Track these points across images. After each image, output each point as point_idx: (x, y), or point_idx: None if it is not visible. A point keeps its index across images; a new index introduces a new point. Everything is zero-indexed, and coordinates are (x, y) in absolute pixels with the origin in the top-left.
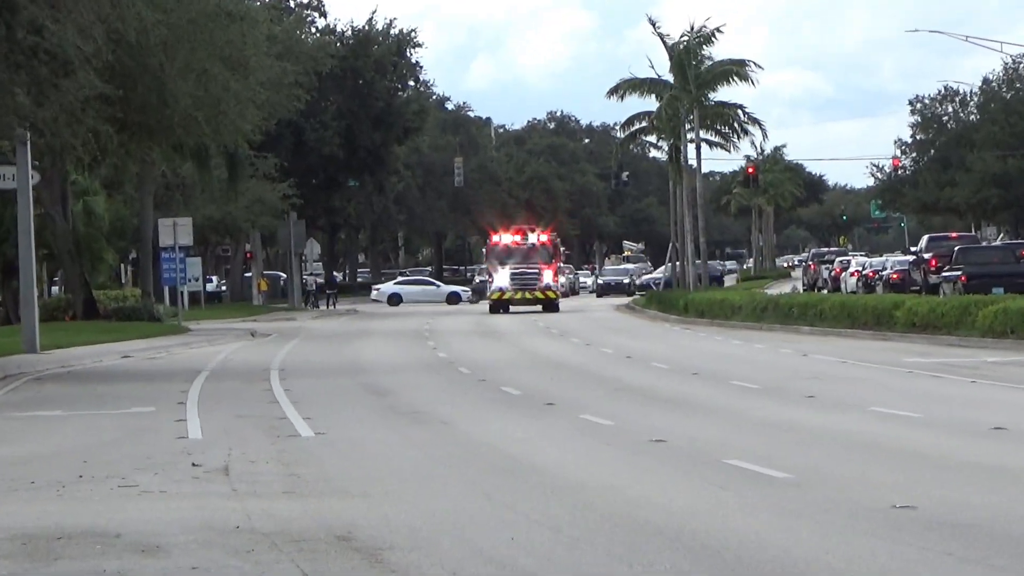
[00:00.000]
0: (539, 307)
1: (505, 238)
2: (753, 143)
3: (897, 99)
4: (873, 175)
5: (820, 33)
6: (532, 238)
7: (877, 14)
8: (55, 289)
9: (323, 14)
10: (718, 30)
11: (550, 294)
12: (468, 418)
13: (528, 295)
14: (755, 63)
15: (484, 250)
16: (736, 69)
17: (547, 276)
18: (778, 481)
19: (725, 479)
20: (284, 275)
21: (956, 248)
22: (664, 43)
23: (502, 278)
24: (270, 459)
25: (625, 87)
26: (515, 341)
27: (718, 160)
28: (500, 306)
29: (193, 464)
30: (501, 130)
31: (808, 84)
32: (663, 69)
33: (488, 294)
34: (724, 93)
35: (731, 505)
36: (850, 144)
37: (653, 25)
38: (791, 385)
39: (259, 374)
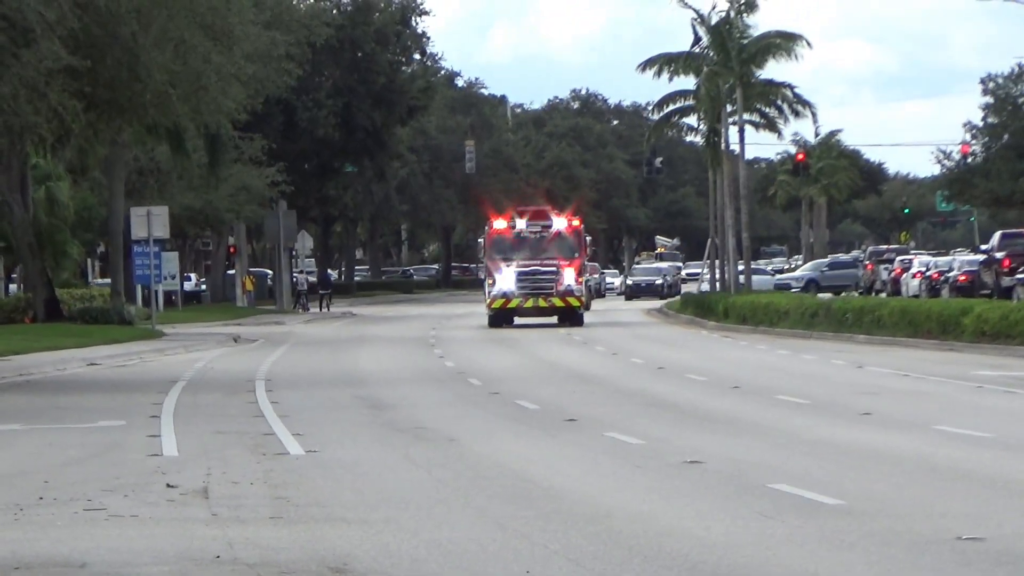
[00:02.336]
0: (555, 318)
1: (511, 223)
2: (803, 127)
3: (970, 77)
4: (940, 162)
5: (885, 1)
6: (549, 224)
7: None
8: (13, 287)
9: None
10: None
11: (572, 301)
12: (478, 436)
13: (542, 302)
14: (805, 38)
15: (482, 241)
16: (782, 43)
17: (568, 276)
18: (829, 509)
19: (770, 506)
20: (271, 273)
21: None
22: (698, 13)
23: (506, 279)
24: (255, 480)
25: (660, 62)
26: (532, 349)
27: (763, 145)
28: (502, 318)
29: (168, 485)
30: (518, 110)
31: (870, 59)
32: (694, 41)
33: (487, 301)
34: (771, 70)
35: (776, 535)
36: (915, 127)
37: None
38: (844, 401)
39: (243, 385)
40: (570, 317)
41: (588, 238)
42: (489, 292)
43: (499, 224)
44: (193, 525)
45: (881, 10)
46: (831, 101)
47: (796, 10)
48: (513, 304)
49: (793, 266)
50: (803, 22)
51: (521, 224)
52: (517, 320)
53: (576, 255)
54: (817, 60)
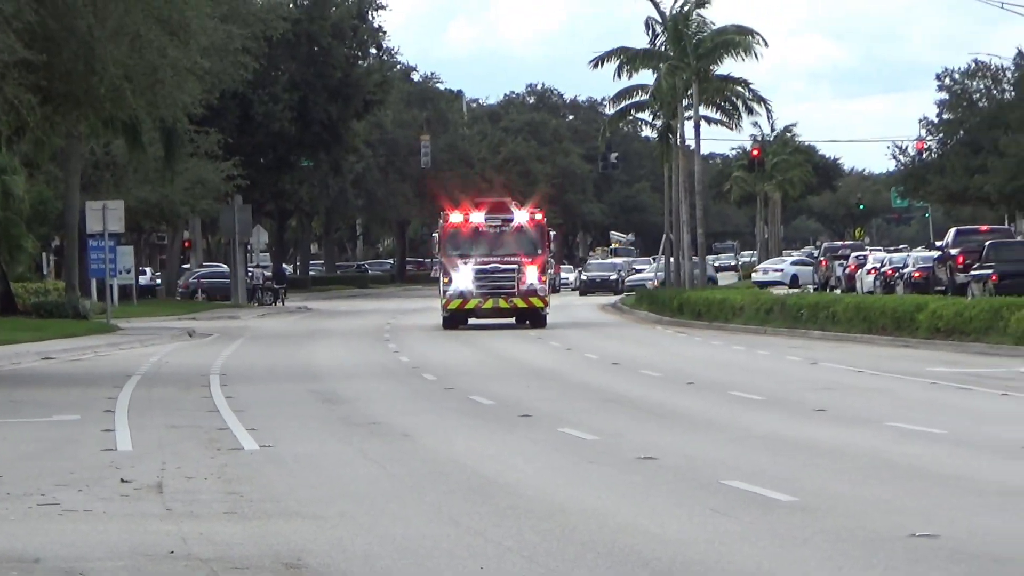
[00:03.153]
0: (514, 319)
1: (468, 217)
2: (758, 123)
3: (928, 72)
4: (895, 158)
5: None
6: (509, 218)
7: None
8: None
9: None
10: None
11: (535, 301)
12: (433, 431)
13: (503, 303)
14: (761, 35)
15: (436, 235)
16: (739, 39)
17: (530, 275)
18: (783, 505)
19: (723, 503)
20: (227, 267)
21: (987, 243)
22: (657, 8)
23: (463, 278)
24: (209, 475)
25: (615, 57)
26: (487, 344)
27: (719, 141)
28: (459, 319)
29: (122, 480)
30: (474, 105)
31: (829, 54)
32: (652, 37)
33: (442, 300)
34: (729, 65)
35: (730, 532)
36: (873, 123)
37: None
38: (799, 397)
39: (198, 379)
40: (532, 319)
41: (552, 232)
42: (444, 291)
43: (455, 217)
44: (147, 520)
45: (841, 6)
46: (790, 97)
47: (757, 6)
48: (471, 305)
49: (740, 263)
50: (763, 18)
51: (479, 218)
52: (475, 321)
53: (539, 251)
54: (777, 56)
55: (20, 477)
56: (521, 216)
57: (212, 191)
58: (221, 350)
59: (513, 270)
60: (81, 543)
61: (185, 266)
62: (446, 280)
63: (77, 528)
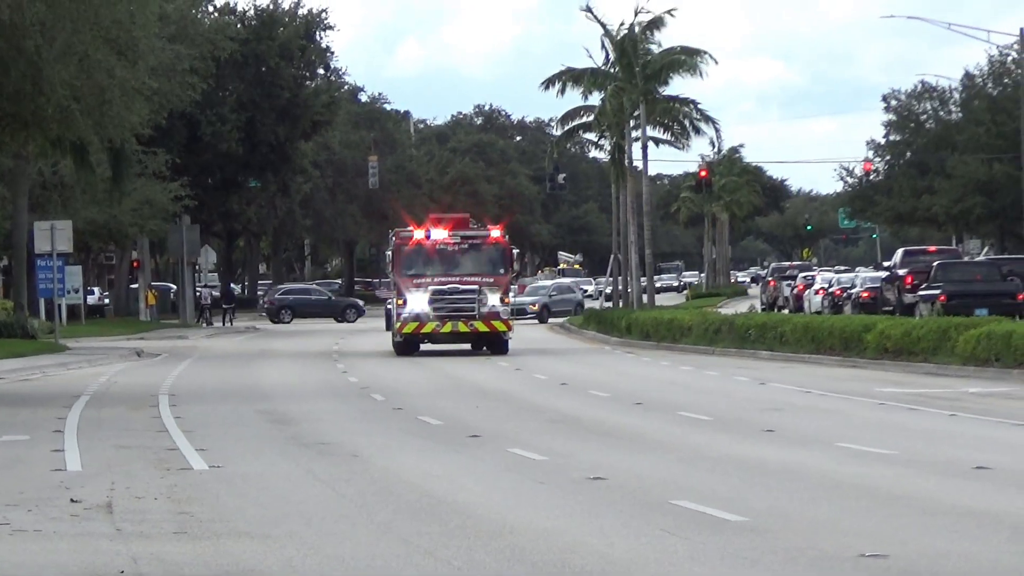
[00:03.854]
0: (472, 344)
1: (425, 234)
2: (712, 142)
3: (876, 93)
4: (842, 179)
5: (795, 17)
6: (470, 236)
7: None
8: None
9: None
10: (669, 13)
11: (497, 325)
12: (382, 451)
13: (462, 327)
14: (710, 54)
15: (389, 254)
16: (687, 59)
17: (492, 297)
18: (732, 525)
19: (672, 523)
20: (175, 287)
21: (935, 264)
22: (605, 29)
23: (418, 300)
24: (159, 495)
25: (564, 78)
26: (436, 364)
27: (667, 162)
28: (413, 344)
29: (72, 500)
30: (421, 125)
31: (778, 75)
32: (608, 60)
33: (395, 324)
34: (679, 85)
35: (679, 552)
36: (821, 144)
37: (590, 11)
38: (748, 417)
39: (146, 399)
40: (494, 344)
41: (516, 251)
42: (398, 314)
43: (409, 233)
44: (97, 540)
45: (790, 27)
46: (738, 118)
47: (706, 26)
48: (428, 328)
49: (682, 283)
50: (712, 38)
51: (437, 235)
52: (430, 346)
53: (502, 271)
54: (726, 76)
55: None
56: (482, 234)
57: (160, 211)
58: (170, 370)
59: (474, 291)
60: (31, 563)
61: (134, 286)
62: (400, 302)
63: (27, 548)
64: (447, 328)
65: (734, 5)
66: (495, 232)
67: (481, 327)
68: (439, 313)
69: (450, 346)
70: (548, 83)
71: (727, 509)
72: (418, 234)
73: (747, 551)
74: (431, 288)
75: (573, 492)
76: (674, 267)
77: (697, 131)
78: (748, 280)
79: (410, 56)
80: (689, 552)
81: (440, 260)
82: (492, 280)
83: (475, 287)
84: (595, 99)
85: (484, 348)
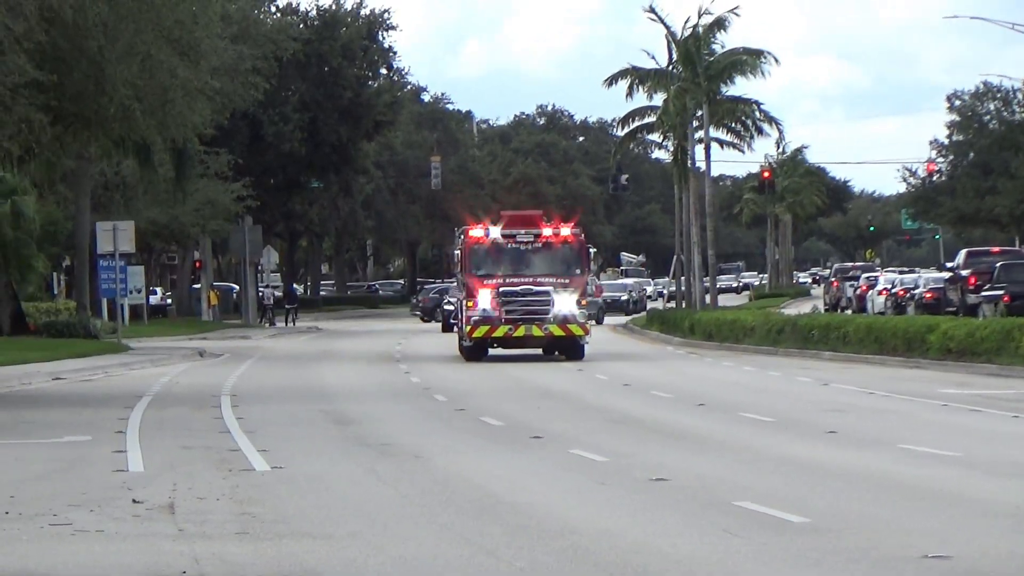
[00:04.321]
0: (545, 349)
1: (495, 232)
2: (777, 142)
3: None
4: (905, 180)
5: (857, 16)
6: (544, 232)
7: None
8: None
9: None
10: (733, 12)
11: (574, 329)
12: (444, 452)
13: (536, 331)
14: (772, 55)
15: (457, 252)
16: (750, 59)
17: (565, 300)
18: (795, 526)
19: (735, 523)
20: (237, 287)
21: (998, 264)
22: (668, 29)
23: (489, 301)
24: (221, 496)
25: (628, 76)
26: (496, 364)
27: (730, 163)
28: (482, 349)
29: (134, 500)
30: (484, 126)
31: (841, 75)
32: (669, 59)
33: (460, 326)
34: (742, 86)
35: (742, 553)
36: (884, 144)
37: (653, 11)
38: (810, 418)
39: (208, 400)
40: (569, 349)
41: (592, 250)
42: (467, 316)
43: (479, 232)
44: (159, 540)
45: (853, 27)
46: (801, 118)
47: (767, 26)
48: (500, 332)
49: (741, 284)
50: (774, 38)
51: (508, 232)
52: (499, 350)
53: (578, 272)
54: (788, 76)
55: (32, 498)
56: (556, 231)
57: (222, 211)
58: (232, 370)
59: (547, 292)
60: (94, 564)
61: (196, 286)
62: (470, 304)
63: (90, 549)
64: (520, 332)
65: (795, 5)
66: (570, 229)
67: (556, 331)
68: (511, 316)
69: (520, 351)
70: (611, 80)
71: (789, 510)
72: (489, 232)
73: (809, 552)
74: (503, 289)
75: (635, 492)
76: (734, 268)
77: (760, 132)
78: (808, 281)
79: (473, 56)
80: (751, 552)
81: (512, 259)
82: (567, 280)
83: (549, 288)
84: (658, 100)
85: (556, 353)
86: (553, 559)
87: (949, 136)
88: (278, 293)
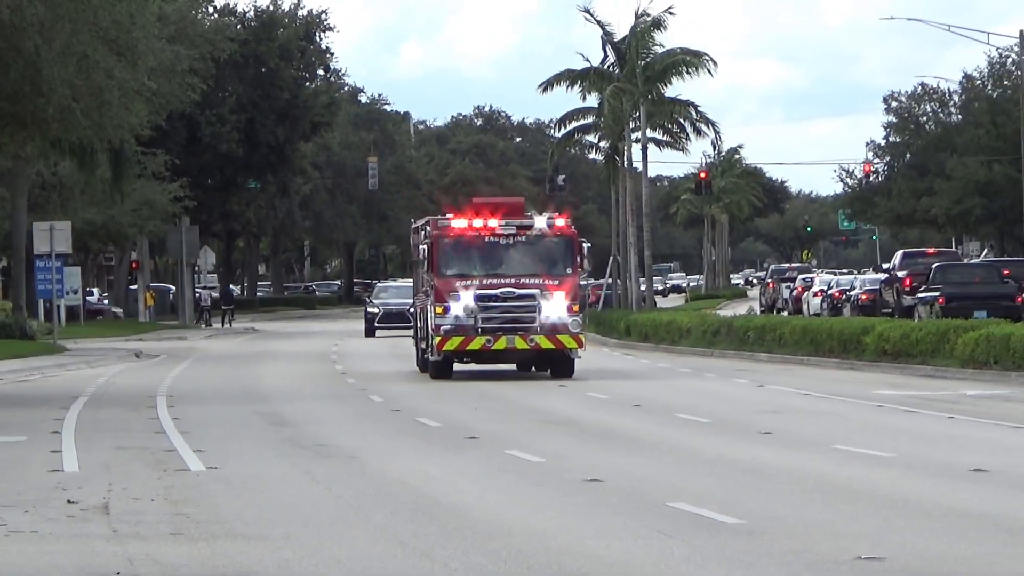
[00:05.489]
0: (533, 366)
1: (471, 224)
2: (713, 143)
3: (878, 95)
4: (842, 181)
5: (799, 19)
6: (529, 224)
7: None
8: None
9: None
10: (668, 12)
11: (564, 340)
12: (380, 453)
13: (520, 342)
14: (711, 56)
15: (422, 248)
16: (689, 60)
17: (555, 305)
18: (730, 528)
19: (670, 525)
20: (174, 288)
21: (934, 266)
22: (604, 30)
23: (464, 307)
24: (156, 496)
25: (564, 79)
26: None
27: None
28: (450, 364)
29: (69, 501)
30: (421, 126)
31: (781, 77)
32: (608, 61)
33: (425, 337)
34: (681, 88)
35: (676, 555)
36: (823, 145)
37: (588, 12)
38: (745, 419)
39: (144, 400)
40: (558, 364)
41: (586, 245)
42: (436, 325)
43: (453, 223)
44: (94, 541)
45: (794, 29)
46: (742, 118)
47: (710, 28)
48: (475, 345)
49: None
50: (716, 40)
51: (485, 224)
52: (474, 364)
53: (568, 271)
54: (729, 78)
55: None
56: (543, 223)
57: (159, 212)
58: (168, 371)
59: (533, 296)
60: (26, 564)
61: (132, 287)
62: (438, 310)
63: (23, 549)
64: (500, 344)
65: (738, 8)
66: (559, 221)
67: (544, 342)
68: (489, 324)
69: (501, 366)
70: (547, 85)
71: (724, 511)
72: (461, 223)
73: (744, 553)
74: (479, 292)
75: (570, 494)
76: (664, 269)
77: (699, 133)
78: (742, 283)
79: (412, 57)
80: (686, 554)
81: (490, 256)
82: (557, 282)
83: (535, 291)
84: (596, 101)
85: (533, 368)
86: (487, 560)
87: (886, 137)
88: (215, 294)
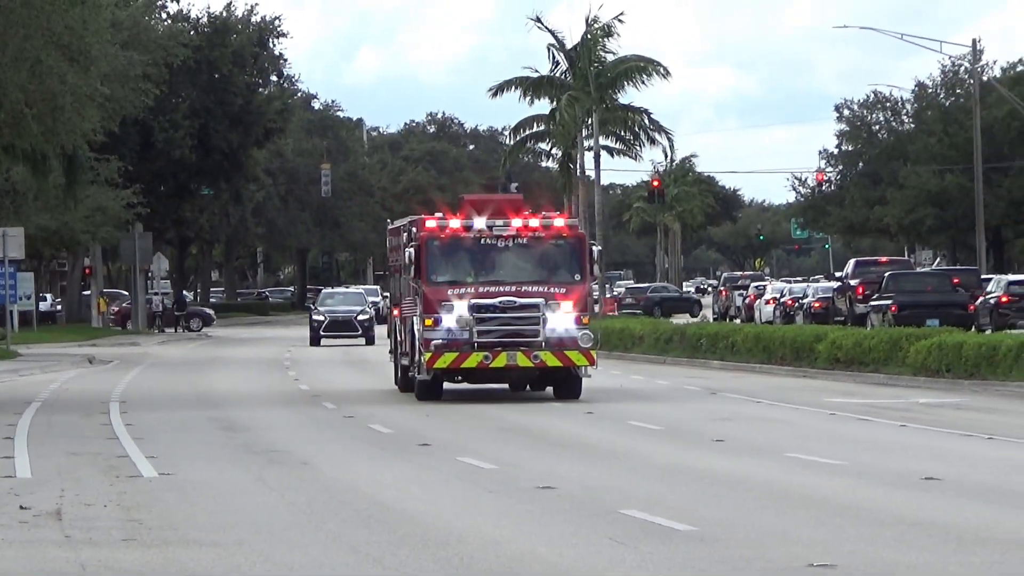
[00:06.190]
0: (529, 384)
1: (463, 223)
2: (665, 152)
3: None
4: (795, 189)
5: (753, 26)
6: (531, 224)
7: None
8: None
9: None
10: (618, 19)
11: (573, 357)
12: (332, 459)
13: (523, 359)
14: (662, 64)
15: (411, 251)
16: (642, 68)
17: (562, 316)
18: (681, 535)
19: (621, 532)
20: (127, 294)
21: (886, 274)
22: (555, 37)
23: (455, 315)
24: (108, 502)
25: (515, 86)
26: (386, 372)
27: (619, 172)
28: (440, 383)
29: (21, 507)
30: (375, 133)
31: (735, 84)
32: (560, 68)
33: (414, 351)
34: (636, 96)
35: (628, 562)
36: (777, 153)
37: (539, 21)
38: (697, 427)
39: (97, 406)
40: (564, 385)
41: (597, 249)
42: (426, 340)
43: (441, 223)
44: (46, 547)
45: (749, 37)
46: (696, 126)
47: (665, 37)
48: (471, 362)
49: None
50: (671, 48)
51: (482, 224)
52: (465, 382)
53: (577, 277)
54: (684, 86)
55: None
56: (547, 222)
57: (113, 218)
58: (121, 377)
59: (537, 306)
60: None
61: (86, 293)
62: (428, 322)
63: None
64: (500, 361)
65: (692, 16)
66: (564, 221)
67: (550, 359)
68: (488, 338)
69: (498, 385)
70: (497, 90)
71: (676, 518)
72: (455, 223)
73: (696, 561)
74: (475, 302)
75: (522, 501)
76: (613, 277)
77: (653, 141)
78: (694, 291)
79: (368, 64)
80: (638, 561)
81: (487, 260)
82: (564, 290)
83: (539, 300)
84: (548, 108)
85: (528, 388)
86: (439, 567)
87: (839, 146)
88: (168, 300)
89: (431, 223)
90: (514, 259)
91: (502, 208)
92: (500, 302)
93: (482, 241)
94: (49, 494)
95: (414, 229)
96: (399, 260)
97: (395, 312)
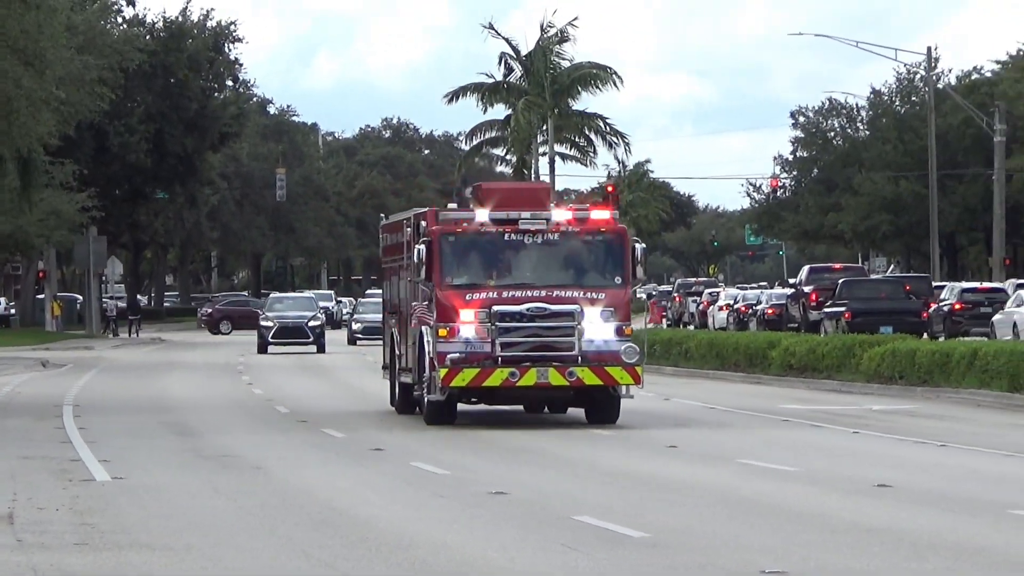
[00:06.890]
0: (547, 406)
1: (482, 216)
2: (617, 158)
3: (787, 110)
4: (749, 196)
5: (710, 33)
6: (562, 217)
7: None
8: None
9: (131, 2)
10: (572, 24)
11: (615, 374)
12: (285, 463)
13: (556, 376)
14: (615, 71)
15: (421, 249)
16: (597, 74)
17: (600, 325)
18: (634, 541)
19: (574, 538)
20: (81, 298)
21: (840, 281)
22: (509, 44)
23: (474, 324)
24: (61, 506)
25: (470, 92)
26: (342, 378)
27: (574, 177)
28: (455, 403)
29: None
30: (330, 138)
31: (692, 90)
32: (515, 75)
33: (421, 366)
34: (590, 101)
35: (581, 567)
36: (732, 160)
37: (492, 27)
38: (650, 433)
39: (50, 410)
40: (600, 406)
41: (640, 246)
42: (440, 352)
43: (460, 218)
44: None
45: (705, 43)
46: (652, 132)
47: (621, 43)
48: (495, 380)
49: None
50: (628, 55)
51: (505, 217)
52: (485, 403)
53: (618, 280)
54: (640, 92)
55: None
56: (582, 215)
57: (67, 222)
58: (74, 381)
59: (571, 314)
60: None
61: (40, 296)
62: (443, 331)
63: None
64: (529, 378)
65: (648, 21)
66: (602, 214)
67: (588, 377)
68: (513, 352)
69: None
70: (453, 96)
71: (629, 525)
72: (474, 216)
73: (648, 566)
74: (498, 308)
75: (474, 506)
76: None
77: (610, 146)
78: (644, 297)
79: (324, 69)
80: (590, 567)
81: (511, 260)
82: (602, 295)
83: (575, 306)
84: (503, 114)
85: (545, 410)
86: (391, 571)
87: (793, 152)
88: (122, 304)
89: (446, 216)
90: (543, 259)
91: (527, 197)
92: (528, 309)
93: (506, 237)
94: (1, 498)
95: (423, 223)
96: (400, 260)
97: (392, 321)
